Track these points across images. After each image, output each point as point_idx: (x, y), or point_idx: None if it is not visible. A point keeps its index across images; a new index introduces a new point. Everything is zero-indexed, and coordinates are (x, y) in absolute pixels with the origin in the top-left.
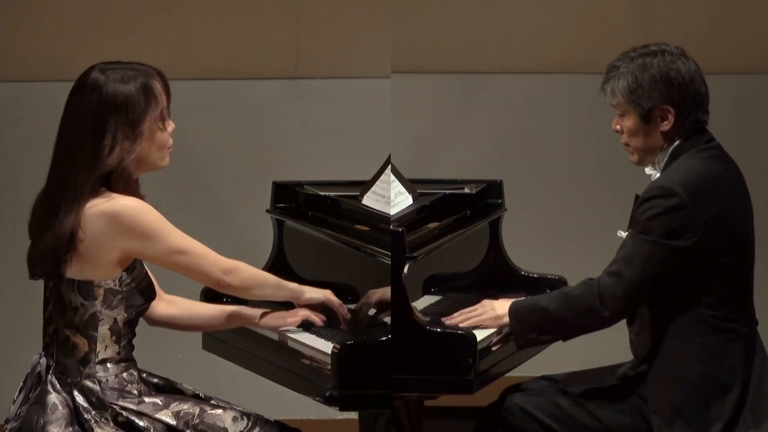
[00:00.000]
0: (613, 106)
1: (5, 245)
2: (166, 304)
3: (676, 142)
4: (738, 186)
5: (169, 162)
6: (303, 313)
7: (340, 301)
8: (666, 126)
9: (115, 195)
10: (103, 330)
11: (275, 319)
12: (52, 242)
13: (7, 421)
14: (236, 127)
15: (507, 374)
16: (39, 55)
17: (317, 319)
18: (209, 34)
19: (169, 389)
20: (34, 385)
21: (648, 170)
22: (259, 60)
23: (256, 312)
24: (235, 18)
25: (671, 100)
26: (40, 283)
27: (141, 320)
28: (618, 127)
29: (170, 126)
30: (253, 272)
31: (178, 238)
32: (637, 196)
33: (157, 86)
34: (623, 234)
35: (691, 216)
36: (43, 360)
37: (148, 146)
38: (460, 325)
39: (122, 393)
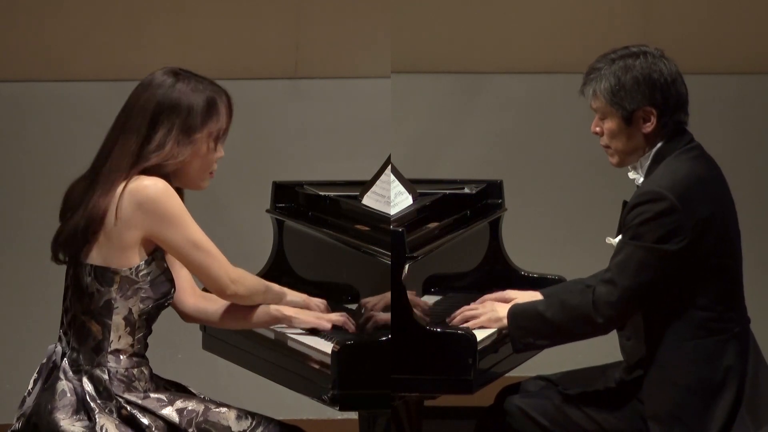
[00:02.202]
0: (594, 109)
1: (5, 245)
2: (200, 299)
3: (658, 145)
4: (722, 186)
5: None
6: (337, 318)
7: (320, 305)
8: (648, 128)
9: (141, 176)
10: (118, 319)
11: (313, 318)
12: (83, 220)
13: (18, 418)
14: (236, 127)
15: (507, 374)
16: (39, 54)
17: (350, 325)
18: (209, 34)
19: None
20: (50, 373)
21: (631, 175)
22: (259, 60)
23: (291, 311)
24: (235, 18)
25: (654, 101)
26: (40, 284)
27: (155, 325)
28: (598, 129)
29: (220, 152)
30: (253, 282)
31: (196, 231)
32: (625, 202)
33: (222, 106)
34: (612, 241)
35: (681, 219)
36: (59, 348)
37: (192, 160)
38: (461, 325)
39: (129, 386)
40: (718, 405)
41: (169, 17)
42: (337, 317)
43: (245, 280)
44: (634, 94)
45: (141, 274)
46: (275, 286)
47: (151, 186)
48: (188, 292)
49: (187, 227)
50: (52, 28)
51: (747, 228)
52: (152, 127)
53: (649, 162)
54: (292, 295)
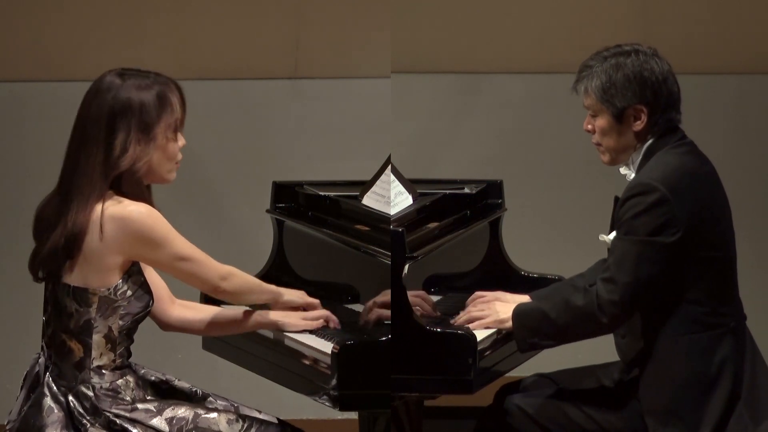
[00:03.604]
0: (586, 107)
1: (5, 245)
2: (181, 308)
3: (649, 141)
4: (714, 181)
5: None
6: (321, 313)
7: (317, 302)
8: (639, 125)
9: (124, 200)
10: (98, 338)
11: (297, 320)
12: (63, 239)
13: (8, 422)
14: (236, 127)
15: (507, 374)
16: (39, 55)
17: (333, 322)
18: (209, 34)
19: (166, 387)
20: (33, 385)
21: (623, 170)
22: (259, 60)
23: (277, 314)
24: (235, 18)
25: (645, 99)
26: (39, 284)
27: (155, 326)
28: (590, 126)
29: (181, 140)
30: (245, 278)
31: (182, 245)
32: (616, 198)
33: (173, 97)
34: (605, 238)
35: (673, 210)
36: (42, 359)
37: (158, 156)
38: (470, 326)
39: (116, 399)
40: (713, 399)
41: (169, 17)
42: (319, 314)
43: (234, 277)
44: (625, 92)
45: (119, 292)
46: (271, 287)
47: (135, 212)
48: (167, 302)
49: (172, 245)
50: (52, 28)
51: (746, 227)
52: (110, 133)
53: (640, 157)
54: (290, 294)
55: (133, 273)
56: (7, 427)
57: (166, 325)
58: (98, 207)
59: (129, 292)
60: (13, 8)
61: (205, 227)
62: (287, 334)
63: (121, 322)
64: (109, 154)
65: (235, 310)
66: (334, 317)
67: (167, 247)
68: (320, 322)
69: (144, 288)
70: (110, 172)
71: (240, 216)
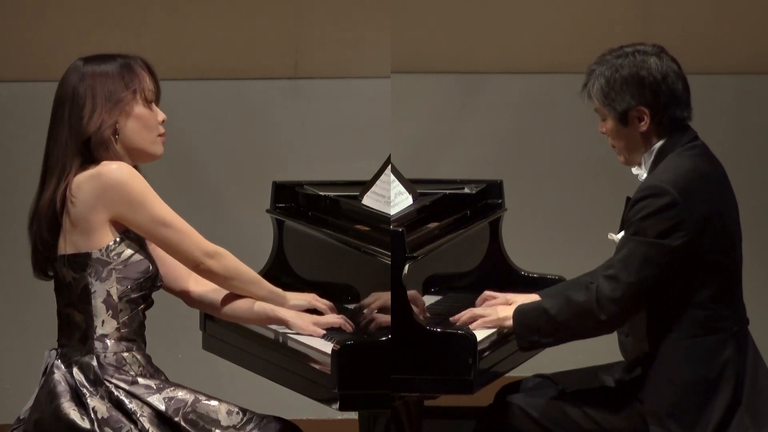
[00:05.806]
0: (595, 111)
1: (4, 246)
2: (203, 286)
3: (660, 141)
4: (724, 184)
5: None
6: (334, 320)
7: (326, 305)
8: (643, 127)
9: (104, 162)
10: (98, 303)
11: (306, 323)
12: (38, 222)
13: (18, 420)
14: (236, 127)
15: (507, 374)
16: (39, 55)
17: (348, 326)
18: (209, 34)
19: None
20: (43, 374)
21: (635, 170)
22: (259, 60)
23: (289, 313)
24: (235, 18)
25: (644, 100)
26: (40, 284)
27: (155, 325)
28: (603, 129)
29: (160, 114)
30: (236, 263)
31: (162, 209)
32: (628, 198)
33: (137, 67)
34: (614, 237)
35: (682, 214)
36: (53, 352)
37: (133, 125)
38: (470, 326)
39: (119, 370)
40: (714, 403)
41: (168, 17)
42: (333, 320)
43: (224, 258)
44: (623, 95)
45: (113, 254)
46: (276, 289)
47: (116, 170)
48: (186, 278)
49: (152, 207)
50: (52, 28)
51: (747, 228)
52: (76, 107)
53: (652, 158)
54: (296, 299)
55: (129, 237)
56: (21, 417)
57: (189, 301)
58: (70, 178)
59: (124, 255)
60: (12, 8)
61: (205, 227)
62: (289, 334)
63: (119, 287)
64: (77, 124)
65: (249, 300)
66: (347, 325)
67: (145, 207)
68: (322, 332)
69: (141, 254)
70: (79, 141)
71: (240, 216)
